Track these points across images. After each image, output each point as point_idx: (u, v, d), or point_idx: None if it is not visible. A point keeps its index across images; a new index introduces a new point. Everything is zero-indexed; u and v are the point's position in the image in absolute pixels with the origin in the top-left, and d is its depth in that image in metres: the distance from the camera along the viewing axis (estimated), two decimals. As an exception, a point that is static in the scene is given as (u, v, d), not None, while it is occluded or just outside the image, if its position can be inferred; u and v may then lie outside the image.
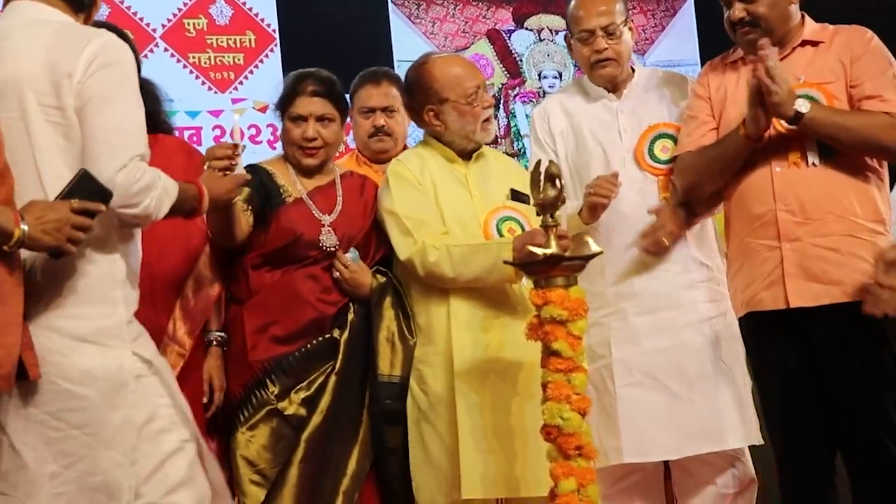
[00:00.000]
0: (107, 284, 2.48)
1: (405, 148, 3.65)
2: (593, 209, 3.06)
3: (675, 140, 3.23)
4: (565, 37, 3.45)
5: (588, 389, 3.06)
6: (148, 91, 2.94)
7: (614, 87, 3.34)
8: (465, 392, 3.08)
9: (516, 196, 3.17)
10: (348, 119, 3.43)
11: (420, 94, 3.20)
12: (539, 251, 2.73)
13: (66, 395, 2.40)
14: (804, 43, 3.07)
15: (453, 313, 3.13)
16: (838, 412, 2.94)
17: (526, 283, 3.02)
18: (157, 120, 2.97)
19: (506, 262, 2.96)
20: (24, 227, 2.25)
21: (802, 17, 3.10)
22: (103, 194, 2.30)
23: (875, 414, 2.89)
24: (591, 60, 3.27)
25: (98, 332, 2.43)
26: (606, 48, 3.25)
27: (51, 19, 2.53)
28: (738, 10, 2.99)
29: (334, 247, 3.13)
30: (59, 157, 2.42)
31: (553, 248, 2.73)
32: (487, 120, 3.27)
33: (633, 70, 3.40)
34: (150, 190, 2.41)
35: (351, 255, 3.13)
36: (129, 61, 2.49)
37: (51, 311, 2.42)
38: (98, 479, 2.42)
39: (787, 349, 2.98)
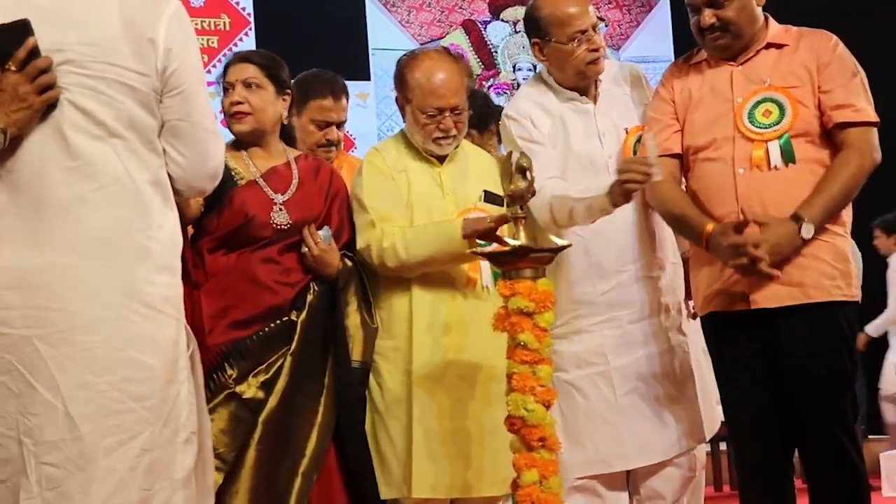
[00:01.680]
0: (171, 252, 2.43)
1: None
2: (627, 193, 2.97)
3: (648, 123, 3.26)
4: (534, 42, 3.35)
5: (572, 395, 3.17)
6: None
7: (585, 87, 3.33)
8: (421, 396, 3.10)
9: (490, 198, 3.18)
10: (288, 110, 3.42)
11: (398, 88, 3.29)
12: (512, 242, 2.74)
13: (131, 363, 2.34)
14: (769, 45, 3.09)
15: (416, 312, 3.14)
16: (798, 411, 2.97)
17: (488, 284, 3.11)
18: None
19: (473, 253, 2.99)
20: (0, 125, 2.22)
21: (766, 18, 3.12)
22: (24, 29, 2.18)
23: (833, 414, 2.94)
24: (588, 59, 3.23)
25: (165, 301, 2.38)
26: (599, 47, 3.23)
27: None
28: (708, 17, 3.00)
29: (287, 225, 3.11)
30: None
31: (522, 240, 2.73)
32: (441, 137, 3.26)
33: None
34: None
35: (323, 234, 3.12)
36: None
37: (124, 274, 2.36)
38: (153, 457, 2.36)
39: (748, 349, 3.02)
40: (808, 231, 2.86)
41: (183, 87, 2.35)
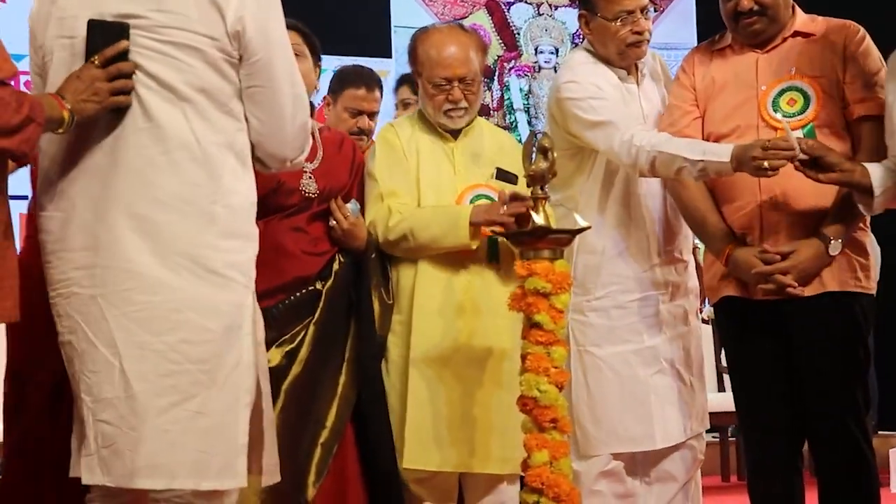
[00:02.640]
0: (243, 218, 2.46)
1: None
2: (761, 170, 2.89)
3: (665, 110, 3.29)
4: (581, 15, 3.37)
5: (602, 370, 3.20)
6: None
7: (626, 67, 3.33)
8: (419, 370, 3.13)
9: (502, 175, 3.20)
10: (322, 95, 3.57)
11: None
12: (536, 219, 2.75)
13: (189, 325, 2.36)
14: (795, 34, 3.09)
15: (419, 287, 3.17)
16: (809, 401, 3.00)
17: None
18: None
19: (495, 234, 3.02)
20: (68, 106, 2.26)
21: (793, 7, 3.12)
22: (120, 30, 2.27)
23: (845, 404, 2.96)
24: (630, 41, 3.23)
25: (230, 266, 2.40)
26: (644, 28, 3.23)
27: None
28: (746, 1, 3.00)
29: (314, 193, 3.14)
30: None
31: (541, 221, 2.74)
32: (451, 108, 3.28)
33: None
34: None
35: (352, 206, 3.14)
36: None
37: (187, 238, 2.39)
38: (211, 421, 2.39)
39: (761, 337, 3.04)
40: (835, 248, 2.88)
41: (259, 54, 2.36)
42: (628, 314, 3.24)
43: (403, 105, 4.22)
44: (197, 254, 2.37)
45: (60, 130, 2.27)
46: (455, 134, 3.30)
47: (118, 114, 2.34)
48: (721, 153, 2.92)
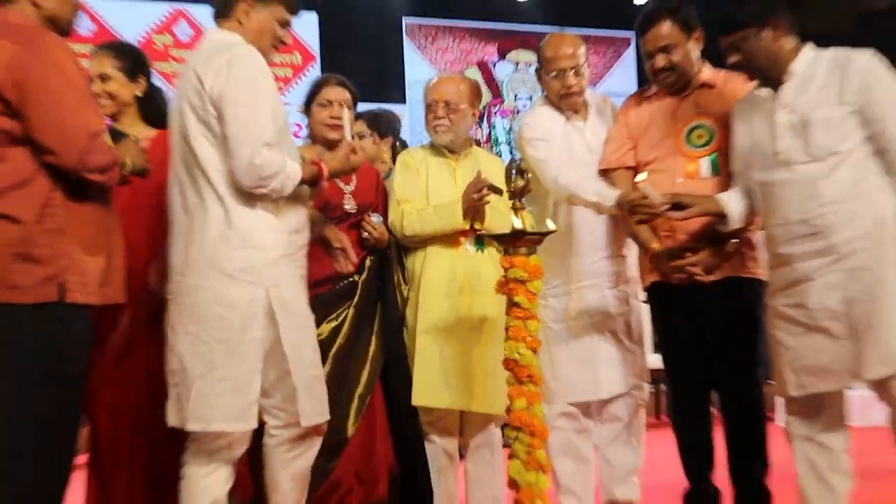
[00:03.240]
0: (253, 234, 2.66)
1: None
2: (635, 218, 3.05)
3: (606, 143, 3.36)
4: (536, 69, 3.44)
5: (561, 341, 3.34)
6: (158, 95, 3.21)
7: (575, 110, 3.41)
8: (427, 330, 3.28)
9: (490, 188, 3.27)
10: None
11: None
12: (516, 223, 2.87)
13: (217, 317, 2.64)
14: (703, 85, 3.21)
15: (426, 267, 3.33)
16: (716, 361, 3.17)
17: (469, 248, 3.29)
18: (166, 119, 3.02)
19: (486, 236, 3.20)
20: (128, 160, 2.53)
21: (703, 63, 3.23)
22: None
23: (742, 362, 3.16)
24: (562, 93, 3.34)
25: (243, 271, 2.64)
26: (574, 84, 3.33)
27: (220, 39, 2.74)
28: (661, 60, 3.14)
29: (353, 209, 3.29)
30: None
31: (519, 225, 2.87)
32: (436, 125, 3.41)
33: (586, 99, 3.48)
34: (275, 176, 2.61)
35: (376, 219, 3.33)
36: (251, 66, 2.63)
37: (217, 252, 2.65)
38: (234, 384, 2.66)
39: (680, 311, 3.18)
40: (731, 247, 3.05)
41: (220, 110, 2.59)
42: (579, 298, 3.35)
43: (359, 136, 4.06)
44: (217, 264, 2.63)
45: (125, 171, 2.52)
46: (457, 156, 3.44)
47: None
48: (608, 198, 3.08)
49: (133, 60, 3.17)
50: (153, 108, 3.11)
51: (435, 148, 3.48)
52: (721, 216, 2.98)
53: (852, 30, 9.77)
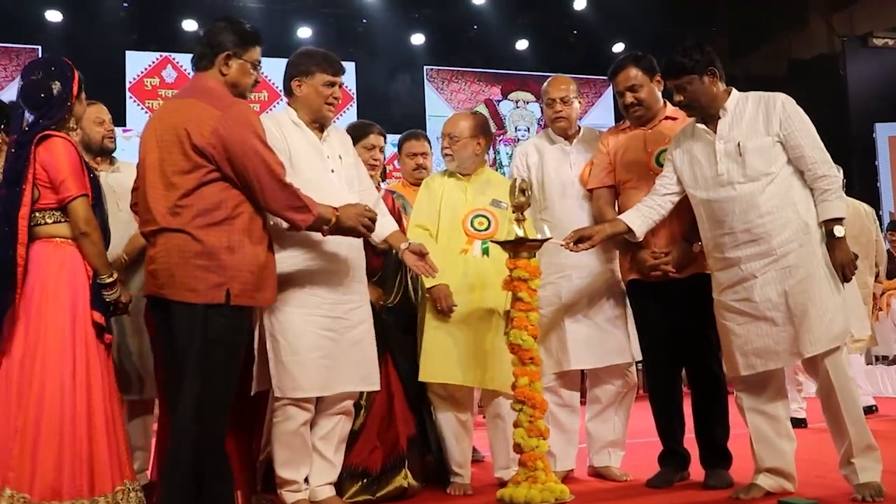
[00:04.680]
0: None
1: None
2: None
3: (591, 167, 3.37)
4: (540, 102, 3.47)
5: (543, 320, 3.21)
6: None
7: (566, 136, 3.46)
8: (440, 321, 3.16)
9: (495, 203, 3.30)
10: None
11: None
12: (518, 232, 2.86)
13: (294, 329, 2.74)
14: (667, 118, 3.26)
15: (441, 270, 3.10)
16: (685, 342, 3.19)
17: (476, 254, 3.16)
18: None
19: (494, 242, 3.07)
20: (339, 215, 2.61)
21: (665, 102, 3.29)
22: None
23: (706, 344, 3.16)
24: (552, 118, 3.43)
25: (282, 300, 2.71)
26: (561, 111, 3.40)
27: None
28: (629, 98, 3.21)
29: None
30: None
31: (521, 234, 2.89)
32: (445, 155, 3.36)
33: (580, 128, 3.53)
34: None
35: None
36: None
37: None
38: (325, 366, 2.78)
39: (653, 303, 3.20)
40: (697, 248, 3.07)
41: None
42: (553, 287, 3.32)
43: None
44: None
45: (326, 227, 2.60)
46: (468, 178, 3.36)
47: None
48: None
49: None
50: None
51: (451, 174, 3.44)
52: (629, 233, 3.05)
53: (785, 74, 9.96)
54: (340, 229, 2.65)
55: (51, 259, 2.53)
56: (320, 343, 2.77)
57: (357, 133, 3.39)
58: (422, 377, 3.19)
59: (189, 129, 2.42)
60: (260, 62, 2.66)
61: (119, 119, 7.86)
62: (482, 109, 9.56)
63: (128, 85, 8.62)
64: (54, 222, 2.56)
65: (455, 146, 3.32)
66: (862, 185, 8.15)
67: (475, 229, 3.25)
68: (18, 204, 2.49)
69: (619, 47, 9.64)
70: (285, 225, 2.62)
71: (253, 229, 2.48)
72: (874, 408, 5.48)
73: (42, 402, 2.45)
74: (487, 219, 3.29)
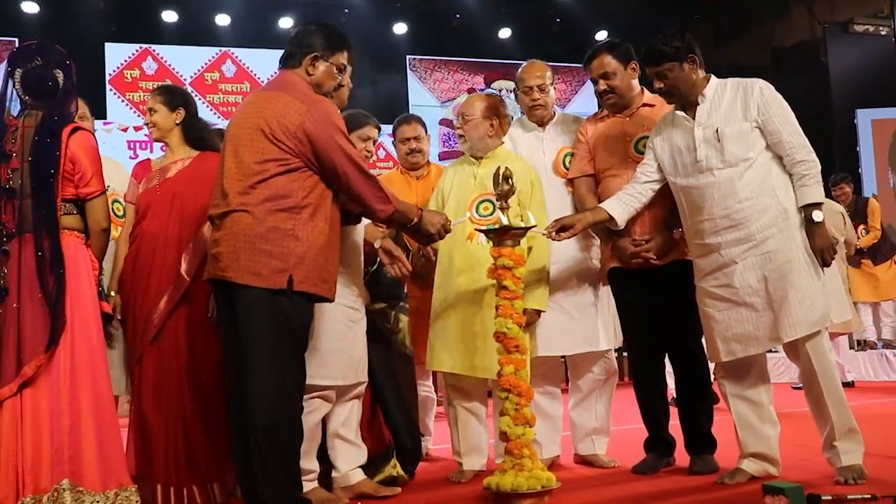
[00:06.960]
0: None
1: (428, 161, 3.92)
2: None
3: (572, 156, 3.40)
4: (515, 91, 3.47)
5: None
6: (200, 121, 3.22)
7: (541, 123, 3.48)
8: (438, 308, 3.22)
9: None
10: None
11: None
12: (503, 219, 2.84)
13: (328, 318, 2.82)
14: (644, 105, 3.27)
15: (441, 254, 3.26)
16: (667, 327, 3.19)
17: (482, 241, 3.14)
18: (208, 143, 3.14)
19: (478, 230, 3.05)
20: (421, 215, 2.69)
21: (642, 89, 3.31)
22: None
23: (687, 328, 3.15)
24: (528, 105, 3.44)
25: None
26: (538, 98, 3.42)
27: None
28: (602, 85, 3.23)
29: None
30: None
31: (506, 221, 2.86)
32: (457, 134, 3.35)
33: (555, 114, 3.54)
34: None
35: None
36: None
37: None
38: (349, 356, 2.88)
39: (634, 290, 3.21)
40: (678, 234, 3.09)
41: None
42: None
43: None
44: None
45: (409, 226, 2.69)
46: (479, 160, 3.32)
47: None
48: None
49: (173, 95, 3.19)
50: (192, 134, 3.12)
51: (463, 159, 3.43)
52: (609, 221, 3.07)
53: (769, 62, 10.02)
54: (417, 231, 2.73)
55: (68, 249, 2.56)
56: (346, 333, 2.88)
57: (353, 123, 3.35)
58: (428, 366, 3.25)
59: (272, 120, 2.50)
60: (346, 66, 2.75)
61: (99, 112, 7.84)
62: (465, 98, 9.61)
63: (107, 77, 8.54)
64: (65, 213, 2.59)
65: (467, 126, 3.32)
66: (844, 170, 8.21)
67: (480, 215, 3.24)
68: (55, 193, 2.53)
69: (602, 35, 9.65)
70: (358, 220, 2.67)
71: (318, 221, 2.53)
72: (852, 383, 5.69)
73: (91, 390, 2.52)
74: (492, 203, 3.24)
